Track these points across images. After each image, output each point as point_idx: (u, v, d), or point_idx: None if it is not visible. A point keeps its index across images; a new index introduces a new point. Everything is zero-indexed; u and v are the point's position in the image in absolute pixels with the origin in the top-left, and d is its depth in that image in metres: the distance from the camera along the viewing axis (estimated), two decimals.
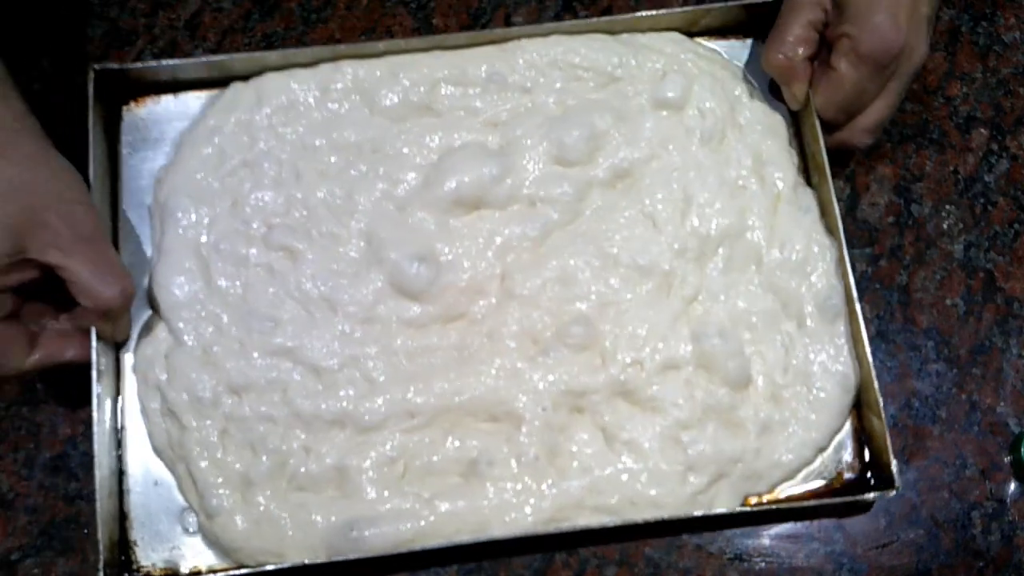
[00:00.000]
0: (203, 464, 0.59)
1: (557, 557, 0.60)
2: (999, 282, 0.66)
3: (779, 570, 0.60)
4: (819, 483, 0.61)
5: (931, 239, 0.67)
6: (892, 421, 0.63)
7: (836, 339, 0.62)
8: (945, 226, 0.67)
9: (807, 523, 0.61)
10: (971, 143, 0.69)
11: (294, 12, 0.73)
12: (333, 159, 0.65)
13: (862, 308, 0.62)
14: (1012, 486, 0.62)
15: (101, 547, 0.57)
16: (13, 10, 0.71)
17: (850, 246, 0.66)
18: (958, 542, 0.61)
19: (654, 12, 0.68)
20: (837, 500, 0.60)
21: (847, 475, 0.61)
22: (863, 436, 0.62)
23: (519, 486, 0.58)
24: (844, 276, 0.62)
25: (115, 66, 0.64)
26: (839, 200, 0.67)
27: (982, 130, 0.70)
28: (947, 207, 0.68)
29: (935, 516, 0.61)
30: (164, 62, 0.66)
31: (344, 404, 0.60)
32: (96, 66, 0.63)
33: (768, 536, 0.61)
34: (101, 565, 0.56)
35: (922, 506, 0.61)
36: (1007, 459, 0.62)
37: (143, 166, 0.66)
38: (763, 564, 0.60)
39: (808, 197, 0.65)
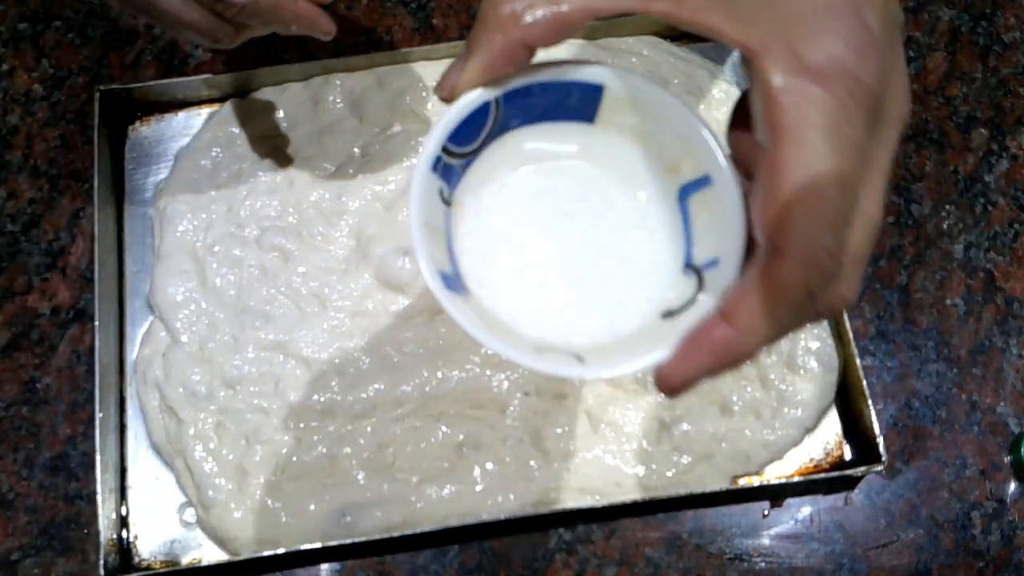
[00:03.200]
0: (199, 456, 0.60)
1: (557, 557, 0.60)
2: (999, 282, 0.66)
3: (779, 570, 0.60)
4: (808, 465, 0.61)
5: (931, 239, 0.67)
6: (892, 421, 0.63)
7: (819, 321, 0.62)
8: (945, 226, 0.67)
9: (807, 523, 0.61)
10: (971, 143, 0.69)
11: None
12: (325, 165, 0.66)
13: (862, 308, 0.62)
14: (1012, 486, 0.62)
15: (102, 539, 0.57)
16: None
17: None
18: (958, 542, 0.60)
19: (633, 17, 0.69)
20: (823, 476, 0.60)
21: (836, 455, 0.62)
22: (850, 417, 0.62)
23: (505, 469, 0.59)
24: None
25: (119, 87, 0.67)
26: None
27: (982, 130, 0.70)
28: (947, 207, 0.68)
29: (935, 516, 0.61)
30: (165, 81, 0.68)
31: (334, 394, 0.61)
32: (101, 87, 0.66)
33: (768, 536, 0.61)
34: (101, 564, 0.56)
35: (922, 506, 0.61)
36: (1007, 459, 0.62)
37: (147, 180, 0.68)
38: (763, 564, 0.60)
39: None
